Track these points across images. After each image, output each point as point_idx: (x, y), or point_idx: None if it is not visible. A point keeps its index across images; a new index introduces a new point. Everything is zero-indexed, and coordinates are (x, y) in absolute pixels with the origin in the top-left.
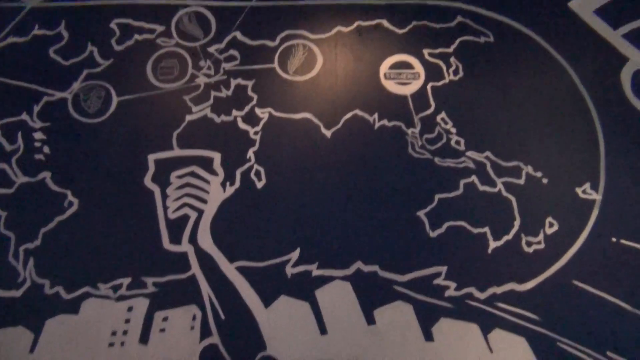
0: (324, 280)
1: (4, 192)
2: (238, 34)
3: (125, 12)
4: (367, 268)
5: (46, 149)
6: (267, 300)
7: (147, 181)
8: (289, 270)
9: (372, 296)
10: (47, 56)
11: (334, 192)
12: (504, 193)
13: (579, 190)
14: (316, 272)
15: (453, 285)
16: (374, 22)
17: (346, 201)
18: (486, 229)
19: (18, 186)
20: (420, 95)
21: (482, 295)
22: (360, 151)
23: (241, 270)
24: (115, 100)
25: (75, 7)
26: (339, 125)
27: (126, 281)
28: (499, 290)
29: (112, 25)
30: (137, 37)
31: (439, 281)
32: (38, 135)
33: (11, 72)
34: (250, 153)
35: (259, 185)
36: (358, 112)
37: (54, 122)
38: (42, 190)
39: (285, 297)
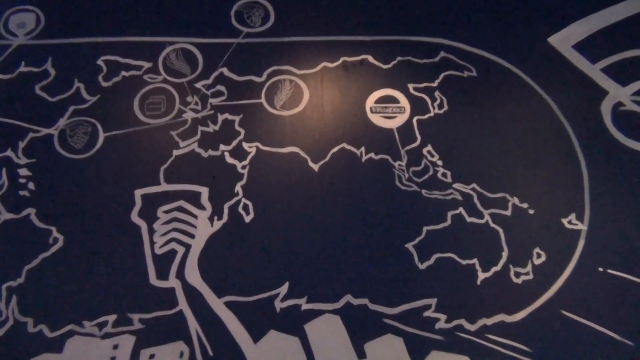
0: (314, 314)
1: None
2: (225, 70)
3: (113, 48)
4: (356, 301)
5: (31, 185)
6: (256, 336)
7: (134, 216)
8: (278, 305)
9: (362, 330)
10: (33, 93)
11: (322, 225)
12: (491, 224)
13: (564, 221)
14: (305, 306)
15: (443, 317)
16: (359, 58)
17: (334, 234)
18: (475, 261)
19: (2, 223)
20: (406, 128)
21: (473, 327)
22: (348, 184)
23: (229, 305)
24: (102, 136)
25: (62, 45)
26: (327, 159)
27: (112, 318)
28: (489, 321)
29: (99, 62)
30: (124, 73)
31: (429, 313)
32: (23, 172)
33: None
34: (238, 187)
35: (247, 219)
36: (345, 145)
37: (39, 159)
38: (27, 227)
39: (275, 331)
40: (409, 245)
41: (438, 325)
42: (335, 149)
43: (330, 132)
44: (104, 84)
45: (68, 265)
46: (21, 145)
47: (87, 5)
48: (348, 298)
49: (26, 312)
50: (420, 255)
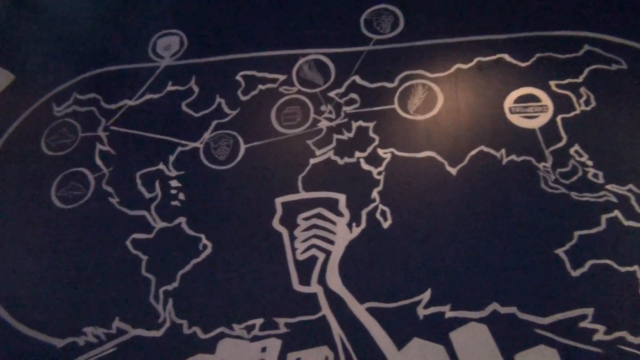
0: (458, 322)
1: (144, 237)
2: (357, 78)
3: (249, 64)
4: (504, 310)
5: (181, 196)
6: (400, 342)
7: (275, 224)
8: (421, 312)
9: (511, 340)
10: (179, 110)
11: (463, 230)
12: None
13: None
14: (449, 314)
15: (602, 328)
16: (494, 57)
17: (476, 239)
18: (635, 268)
19: (157, 231)
20: (549, 127)
21: (637, 340)
22: (489, 187)
23: (372, 311)
24: (243, 147)
25: (203, 63)
26: (465, 162)
27: (259, 322)
28: None
29: (238, 77)
30: (260, 87)
31: (585, 324)
32: (174, 183)
33: (148, 126)
34: (375, 193)
35: (385, 225)
36: (484, 148)
37: (187, 170)
38: (179, 235)
39: (418, 339)
40: (559, 251)
41: (596, 337)
42: (473, 152)
43: (467, 135)
44: (243, 98)
45: (216, 270)
46: (171, 158)
47: (224, 26)
48: (494, 306)
49: (181, 315)
50: (572, 262)
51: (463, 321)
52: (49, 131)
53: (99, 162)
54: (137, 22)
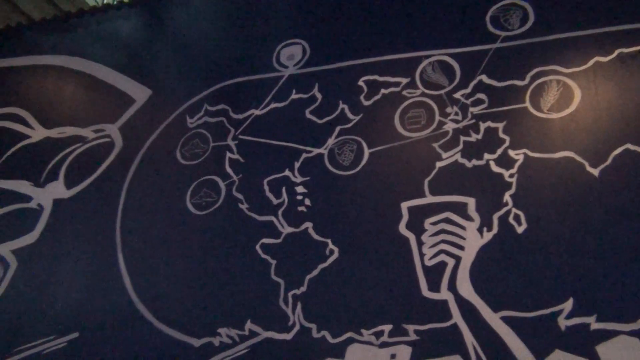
0: (607, 335)
1: (273, 242)
2: (484, 77)
3: (371, 69)
4: None
5: (307, 201)
6: (539, 354)
7: (402, 228)
8: (562, 322)
9: None
10: (303, 117)
11: (610, 235)
12: None
13: None
14: (595, 325)
15: None
16: (638, 47)
17: (624, 245)
18: None
19: (284, 236)
20: None
21: None
22: (636, 189)
23: (507, 320)
24: (367, 152)
25: (325, 71)
26: (608, 162)
27: (388, 328)
28: None
29: (360, 82)
30: (383, 91)
31: None
32: (300, 189)
33: (274, 134)
34: (507, 197)
35: (519, 229)
36: (629, 146)
37: (313, 177)
38: (306, 240)
39: (560, 351)
40: None
41: None
42: (617, 151)
43: (609, 133)
44: (366, 103)
45: (343, 276)
46: (296, 165)
47: (345, 32)
48: None
49: (310, 319)
50: None
51: (612, 334)
52: (183, 141)
53: (229, 169)
54: (262, 34)
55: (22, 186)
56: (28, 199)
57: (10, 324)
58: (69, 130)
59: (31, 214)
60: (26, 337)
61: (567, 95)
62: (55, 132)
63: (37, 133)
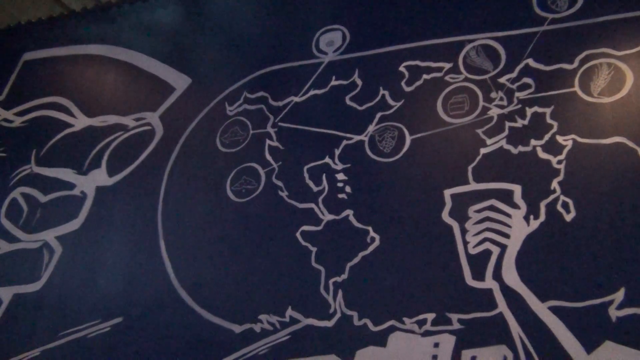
0: None
1: (313, 229)
2: (530, 61)
3: (413, 54)
4: None
5: (348, 189)
6: (589, 346)
7: (445, 216)
8: (613, 313)
9: None
10: (344, 104)
11: None
12: None
13: None
14: None
15: None
16: None
17: None
18: None
19: (325, 224)
20: None
21: None
22: None
23: (555, 310)
24: (408, 139)
25: (366, 57)
26: None
27: (430, 316)
28: None
29: (401, 68)
30: (425, 76)
31: None
32: (340, 176)
33: (314, 121)
34: (555, 184)
35: (568, 218)
36: None
37: (353, 164)
38: (346, 227)
39: (611, 343)
40: None
41: None
42: None
43: None
44: (407, 89)
45: (385, 263)
46: (337, 152)
47: (385, 17)
48: None
49: (351, 306)
50: None
51: None
52: (222, 129)
53: (268, 157)
54: (301, 20)
55: (65, 174)
56: (71, 186)
57: (56, 309)
58: (111, 119)
59: (75, 201)
60: (71, 322)
61: (619, 78)
62: (97, 121)
63: (80, 122)
